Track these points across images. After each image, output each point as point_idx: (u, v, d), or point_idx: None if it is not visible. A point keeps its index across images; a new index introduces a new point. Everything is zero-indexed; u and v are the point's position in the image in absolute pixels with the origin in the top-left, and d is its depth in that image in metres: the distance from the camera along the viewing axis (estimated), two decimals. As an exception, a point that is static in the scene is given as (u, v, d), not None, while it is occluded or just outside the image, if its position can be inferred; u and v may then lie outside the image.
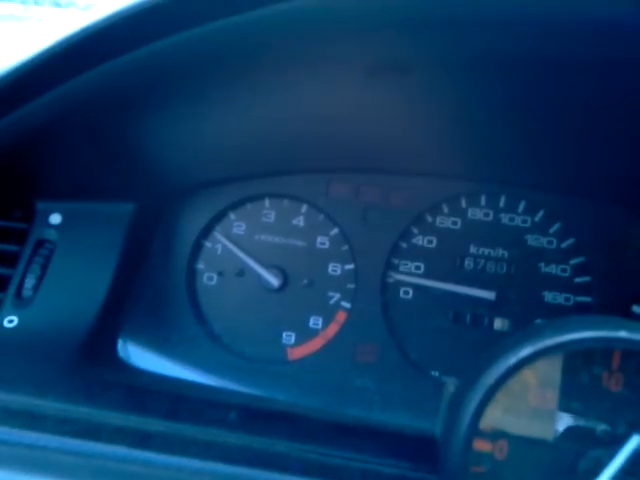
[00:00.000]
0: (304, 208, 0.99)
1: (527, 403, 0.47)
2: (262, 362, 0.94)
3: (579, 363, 0.49)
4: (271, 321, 0.96)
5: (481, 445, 0.46)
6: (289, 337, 0.96)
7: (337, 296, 0.96)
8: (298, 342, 0.96)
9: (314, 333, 0.96)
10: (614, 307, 0.93)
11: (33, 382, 0.68)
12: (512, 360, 0.46)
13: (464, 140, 0.87)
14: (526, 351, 0.46)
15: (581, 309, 0.93)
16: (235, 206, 0.99)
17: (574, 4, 0.52)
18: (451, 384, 0.55)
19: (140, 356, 0.91)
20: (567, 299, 0.94)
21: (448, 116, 0.81)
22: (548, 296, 0.94)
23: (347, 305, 0.96)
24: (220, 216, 0.99)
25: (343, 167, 0.97)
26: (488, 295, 0.93)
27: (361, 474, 0.59)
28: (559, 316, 0.92)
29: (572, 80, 0.65)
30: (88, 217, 0.88)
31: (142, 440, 0.58)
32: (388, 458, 0.63)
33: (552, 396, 0.49)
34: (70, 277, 0.84)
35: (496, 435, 0.46)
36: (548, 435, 0.49)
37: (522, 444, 0.48)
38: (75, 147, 0.81)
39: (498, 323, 0.94)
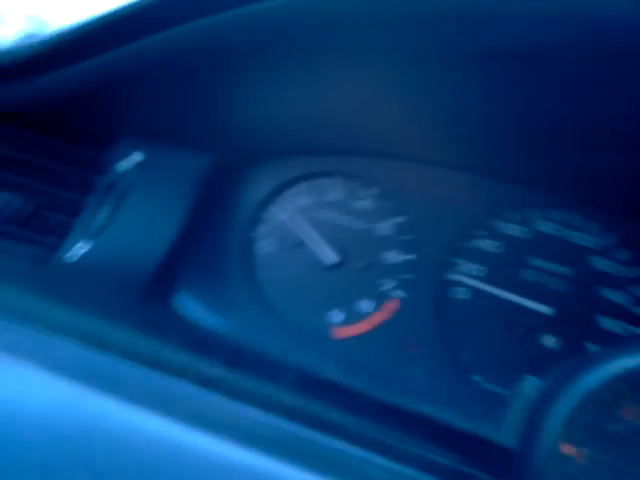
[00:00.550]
0: (374, 191, 0.98)
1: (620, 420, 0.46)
2: (308, 336, 0.94)
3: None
4: (322, 297, 0.96)
5: (567, 449, 0.45)
6: (338, 315, 0.96)
7: (392, 284, 0.96)
8: (346, 322, 0.95)
9: (363, 316, 0.95)
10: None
11: (101, 308, 0.69)
12: (616, 370, 0.45)
13: (550, 155, 0.86)
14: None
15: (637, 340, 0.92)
16: (306, 178, 0.99)
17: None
18: (530, 387, 0.54)
19: (194, 311, 0.91)
20: (625, 330, 0.92)
21: (539, 123, 0.80)
22: (605, 322, 0.92)
23: (401, 294, 0.95)
24: (289, 185, 1.00)
25: (421, 157, 0.97)
26: (546, 310, 0.92)
27: (416, 459, 0.58)
28: (612, 344, 0.92)
29: None
30: (169, 159, 0.89)
31: (206, 382, 0.58)
32: (440, 448, 0.62)
33: None
34: (143, 215, 0.85)
35: (582, 442, 0.46)
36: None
37: (601, 456, 0.47)
38: (165, 94, 0.82)
39: (549, 340, 0.93)
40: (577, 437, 0.45)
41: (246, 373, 0.66)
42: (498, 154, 0.93)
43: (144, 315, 0.75)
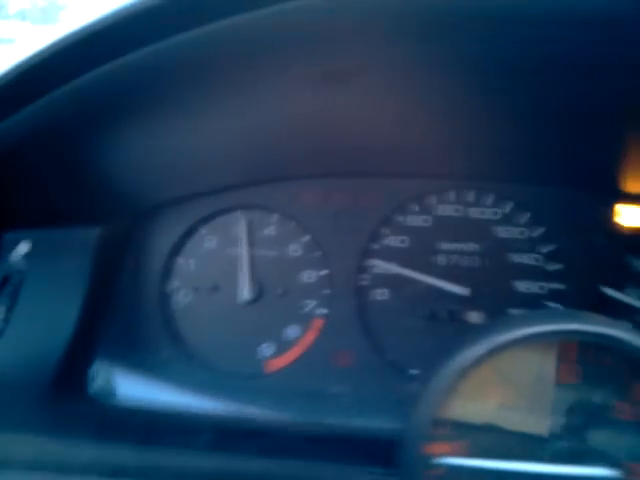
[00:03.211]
0: (275, 217, 0.98)
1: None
2: (240, 377, 0.93)
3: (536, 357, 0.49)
4: (248, 334, 0.96)
5: (439, 448, 0.46)
6: (267, 349, 0.96)
7: (313, 303, 0.96)
8: (276, 353, 0.95)
9: (292, 343, 0.96)
10: (587, 292, 0.94)
11: (4, 416, 0.67)
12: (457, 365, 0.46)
13: (429, 138, 0.87)
14: (471, 353, 0.46)
15: (554, 296, 0.94)
16: (206, 220, 0.99)
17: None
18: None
19: (115, 382, 0.90)
20: (541, 287, 0.95)
21: (412, 115, 0.81)
22: (521, 286, 0.95)
23: (323, 311, 0.96)
24: (191, 231, 0.98)
25: (311, 173, 0.97)
26: (462, 290, 0.93)
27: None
28: (533, 305, 0.95)
29: (542, 73, 0.65)
30: (56, 244, 0.86)
31: (114, 472, 0.58)
32: (362, 465, 0.63)
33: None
34: (40, 307, 0.83)
35: (454, 436, 0.47)
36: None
37: (481, 444, 0.48)
38: (37, 174, 0.79)
39: (474, 317, 0.95)
40: (444, 433, 0.46)
41: (159, 447, 0.66)
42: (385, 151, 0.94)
43: (53, 413, 0.74)
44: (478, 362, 0.51)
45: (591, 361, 0.49)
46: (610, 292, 0.94)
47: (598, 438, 0.50)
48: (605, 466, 0.47)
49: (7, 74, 0.59)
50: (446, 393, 0.51)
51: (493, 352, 0.49)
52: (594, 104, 0.72)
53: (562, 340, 0.51)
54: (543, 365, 0.52)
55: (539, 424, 0.51)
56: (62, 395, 0.78)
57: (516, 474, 0.48)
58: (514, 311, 0.95)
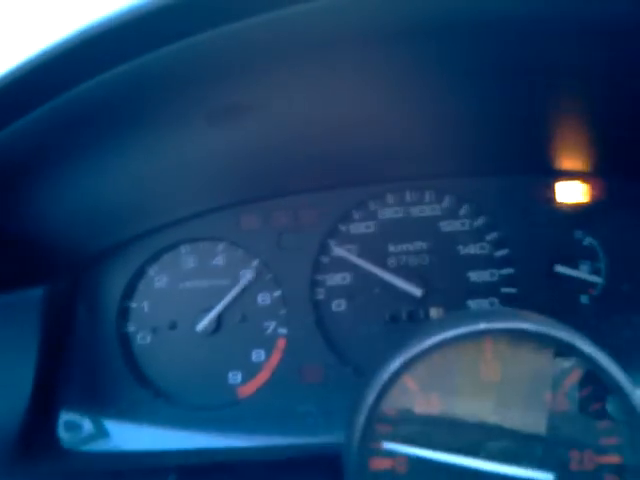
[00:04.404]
0: (221, 246, 0.99)
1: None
2: (213, 408, 0.93)
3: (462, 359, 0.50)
4: (214, 365, 0.96)
5: (380, 463, 0.46)
6: (235, 376, 0.96)
7: (273, 324, 0.96)
8: (245, 379, 0.95)
9: (259, 366, 0.96)
10: (538, 272, 0.95)
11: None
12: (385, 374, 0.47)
13: (359, 146, 0.88)
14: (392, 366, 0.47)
15: (508, 282, 0.95)
16: (152, 260, 0.99)
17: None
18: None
19: (85, 430, 0.89)
20: (492, 274, 0.95)
21: (339, 125, 0.81)
22: (473, 276, 0.96)
23: (284, 331, 0.96)
24: (139, 273, 0.99)
25: (250, 198, 0.97)
26: (417, 289, 0.94)
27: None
28: (489, 293, 0.95)
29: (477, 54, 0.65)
30: (2, 304, 0.86)
31: None
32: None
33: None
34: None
35: (395, 452, 0.47)
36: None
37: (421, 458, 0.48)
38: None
39: (434, 312, 0.95)
40: (388, 450, 0.46)
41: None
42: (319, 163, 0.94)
43: (21, 470, 0.73)
44: (395, 376, 0.50)
45: (511, 357, 0.49)
46: (563, 270, 0.95)
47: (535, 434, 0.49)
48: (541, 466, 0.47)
49: None
50: (380, 401, 0.50)
51: (414, 359, 0.49)
52: (525, 103, 0.73)
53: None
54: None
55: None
56: (32, 451, 0.78)
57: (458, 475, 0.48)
58: (473, 302, 0.95)
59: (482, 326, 0.46)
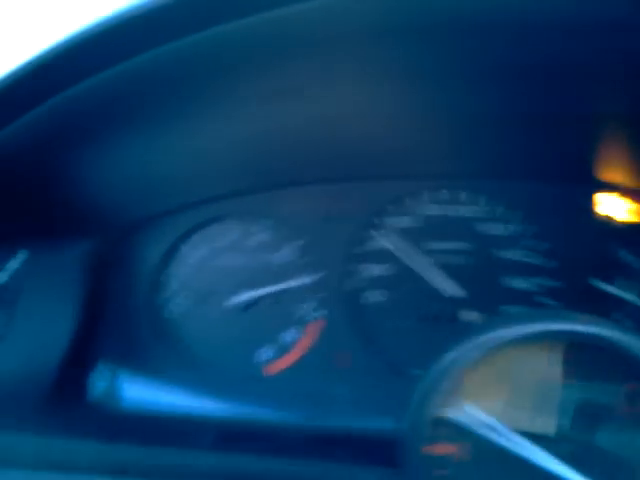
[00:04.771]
0: (261, 225, 0.99)
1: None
2: (239, 381, 0.94)
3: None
4: (244, 340, 0.97)
5: (440, 448, 0.47)
6: (265, 353, 0.97)
7: (306, 307, 0.97)
8: (274, 357, 0.96)
9: (289, 347, 0.97)
10: (577, 286, 0.95)
11: (5, 419, 0.69)
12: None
13: (409, 140, 0.88)
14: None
15: (546, 292, 0.95)
16: (194, 231, 1.00)
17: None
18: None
19: (116, 388, 0.91)
20: (528, 282, 0.96)
21: (396, 118, 0.82)
22: (510, 282, 0.96)
23: (317, 315, 0.97)
24: (177, 244, 0.99)
25: (293, 181, 0.98)
26: (452, 289, 0.95)
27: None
28: (526, 302, 0.96)
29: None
30: (50, 255, 0.88)
31: (116, 471, 0.59)
32: (364, 465, 0.64)
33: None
34: (39, 315, 0.85)
35: (458, 437, 0.48)
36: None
37: (485, 445, 0.49)
38: (24, 189, 0.81)
39: (467, 315, 0.96)
40: (444, 433, 0.47)
41: (161, 447, 0.67)
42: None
43: (53, 417, 0.75)
44: (473, 362, 0.52)
45: (589, 360, 0.49)
46: (601, 285, 0.96)
47: (602, 438, 0.50)
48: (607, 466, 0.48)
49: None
50: (443, 393, 0.52)
51: (488, 352, 0.50)
52: (572, 106, 0.73)
53: (554, 340, 0.51)
54: (550, 364, 0.52)
55: (546, 424, 0.51)
56: (62, 400, 0.80)
57: (520, 474, 0.48)
58: (507, 308, 0.96)
59: (566, 326, 0.46)
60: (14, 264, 0.88)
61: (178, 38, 0.57)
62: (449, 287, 0.95)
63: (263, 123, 0.80)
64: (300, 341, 0.97)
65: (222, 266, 0.99)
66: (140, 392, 0.93)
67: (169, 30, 0.56)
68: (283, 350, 0.97)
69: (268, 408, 0.89)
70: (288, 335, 0.97)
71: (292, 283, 0.98)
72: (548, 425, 0.51)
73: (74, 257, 0.89)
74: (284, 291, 0.98)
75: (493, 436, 0.47)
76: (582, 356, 0.52)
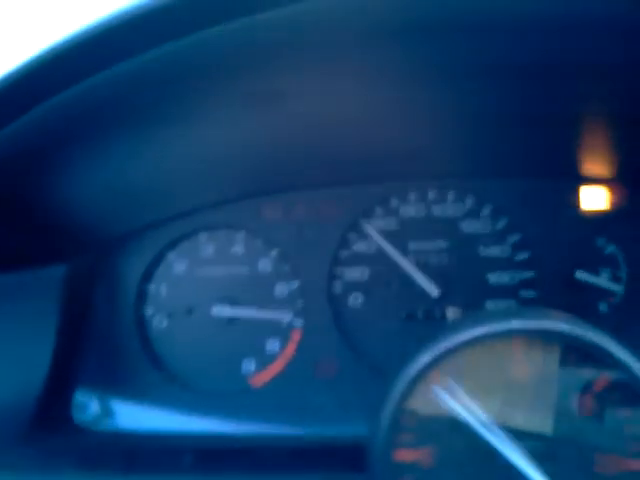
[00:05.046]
0: (240, 235, 0.99)
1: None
2: (225, 396, 0.93)
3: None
4: (228, 353, 0.96)
5: (405, 455, 0.46)
6: (249, 365, 0.96)
7: (289, 316, 0.96)
8: (259, 368, 0.95)
9: (273, 357, 0.96)
10: (559, 277, 0.94)
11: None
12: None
13: (385, 142, 0.88)
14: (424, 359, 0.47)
15: (527, 285, 0.95)
16: (172, 245, 0.99)
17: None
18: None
19: (100, 410, 0.90)
20: (511, 277, 0.95)
21: (372, 121, 0.81)
22: (492, 278, 0.95)
23: (300, 323, 0.96)
24: (159, 257, 0.99)
25: (271, 189, 0.98)
26: (434, 288, 0.94)
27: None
28: (508, 296, 0.95)
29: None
30: (23, 284, 0.87)
31: None
32: (342, 473, 0.63)
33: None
34: (14, 345, 0.83)
35: (419, 443, 0.47)
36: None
37: (447, 450, 0.48)
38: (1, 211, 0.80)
39: (450, 313, 0.95)
40: (410, 439, 0.46)
41: (144, 472, 0.66)
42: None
43: (36, 447, 0.74)
44: (434, 363, 0.51)
45: (541, 358, 0.48)
46: (583, 276, 0.94)
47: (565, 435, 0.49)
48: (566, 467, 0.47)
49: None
50: (408, 395, 0.51)
51: (445, 354, 0.49)
52: (548, 104, 0.73)
53: (514, 338, 0.50)
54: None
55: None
56: (46, 427, 0.79)
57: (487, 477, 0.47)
58: (489, 304, 0.95)
59: (517, 324, 0.45)
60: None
61: (162, 43, 0.56)
62: (431, 287, 0.94)
63: (246, 130, 0.79)
64: (284, 350, 0.96)
65: (207, 277, 0.98)
66: (126, 411, 0.92)
67: (155, 35, 0.55)
68: (267, 360, 0.96)
69: (253, 421, 0.88)
70: (271, 345, 0.96)
71: (272, 292, 0.97)
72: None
73: (51, 278, 0.89)
74: (264, 301, 0.97)
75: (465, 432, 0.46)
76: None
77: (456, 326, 0.50)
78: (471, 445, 0.47)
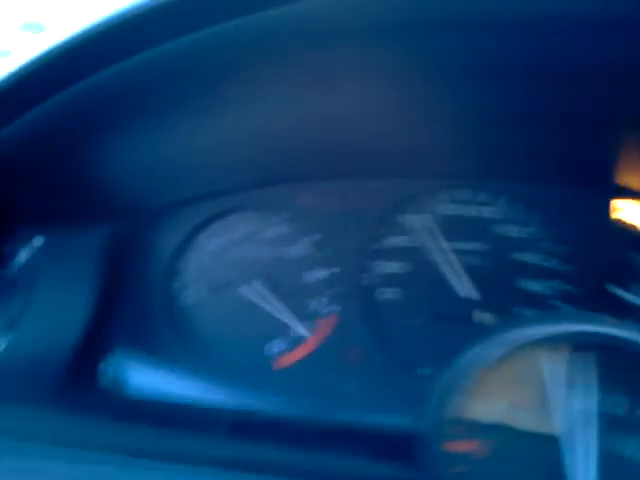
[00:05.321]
0: (276, 219, 1.00)
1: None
2: (248, 374, 0.94)
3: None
4: (256, 332, 0.97)
5: (459, 446, 0.47)
6: (277, 345, 0.97)
7: (319, 302, 0.97)
8: (285, 350, 0.96)
9: (300, 340, 0.97)
10: (592, 291, 0.94)
11: (25, 400, 0.69)
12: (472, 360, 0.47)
13: (427, 138, 0.88)
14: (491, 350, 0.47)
15: (560, 296, 0.95)
16: (211, 220, 1.00)
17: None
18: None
19: (127, 376, 0.91)
20: (543, 285, 0.95)
21: (410, 116, 0.82)
22: (525, 285, 0.95)
23: (329, 310, 0.97)
24: (194, 234, 1.00)
25: (307, 176, 0.99)
26: (468, 289, 0.94)
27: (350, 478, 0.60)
28: (539, 305, 0.95)
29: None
30: (68, 240, 0.89)
31: (132, 451, 0.59)
32: (378, 460, 0.64)
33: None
34: (54, 300, 0.86)
35: (477, 434, 0.47)
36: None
37: (502, 442, 0.49)
38: (43, 175, 0.81)
39: (481, 316, 0.95)
40: (463, 430, 0.47)
41: (178, 433, 0.67)
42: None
43: (66, 402, 0.76)
44: (491, 361, 0.51)
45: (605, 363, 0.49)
46: (616, 291, 0.95)
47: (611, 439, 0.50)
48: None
49: (6, 81, 0.61)
50: (462, 391, 0.51)
51: (507, 351, 0.50)
52: (589, 107, 0.73)
53: (574, 342, 0.51)
54: (555, 365, 0.52)
55: (551, 424, 0.51)
56: (75, 385, 0.80)
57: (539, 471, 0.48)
58: (521, 311, 0.95)
59: (589, 328, 0.46)
60: (30, 249, 0.89)
61: (196, 31, 0.57)
62: (464, 287, 0.95)
63: (282, 116, 0.80)
64: (312, 335, 0.97)
65: (238, 257, 1.00)
66: (151, 379, 0.93)
67: (189, 22, 0.56)
68: (294, 344, 0.97)
69: (277, 400, 0.89)
70: (299, 329, 0.97)
71: (307, 277, 0.98)
72: (555, 426, 0.51)
73: (91, 242, 0.90)
74: (296, 285, 0.98)
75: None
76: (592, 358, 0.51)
77: (520, 324, 0.50)
78: (525, 438, 0.48)
